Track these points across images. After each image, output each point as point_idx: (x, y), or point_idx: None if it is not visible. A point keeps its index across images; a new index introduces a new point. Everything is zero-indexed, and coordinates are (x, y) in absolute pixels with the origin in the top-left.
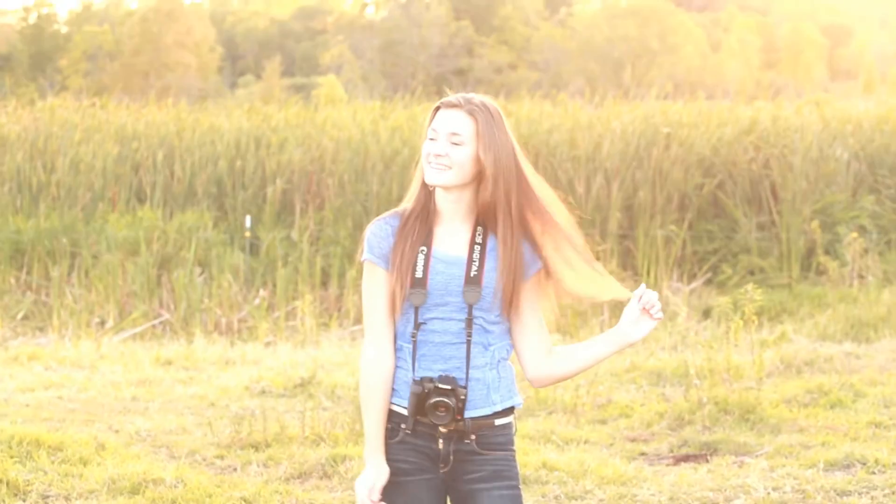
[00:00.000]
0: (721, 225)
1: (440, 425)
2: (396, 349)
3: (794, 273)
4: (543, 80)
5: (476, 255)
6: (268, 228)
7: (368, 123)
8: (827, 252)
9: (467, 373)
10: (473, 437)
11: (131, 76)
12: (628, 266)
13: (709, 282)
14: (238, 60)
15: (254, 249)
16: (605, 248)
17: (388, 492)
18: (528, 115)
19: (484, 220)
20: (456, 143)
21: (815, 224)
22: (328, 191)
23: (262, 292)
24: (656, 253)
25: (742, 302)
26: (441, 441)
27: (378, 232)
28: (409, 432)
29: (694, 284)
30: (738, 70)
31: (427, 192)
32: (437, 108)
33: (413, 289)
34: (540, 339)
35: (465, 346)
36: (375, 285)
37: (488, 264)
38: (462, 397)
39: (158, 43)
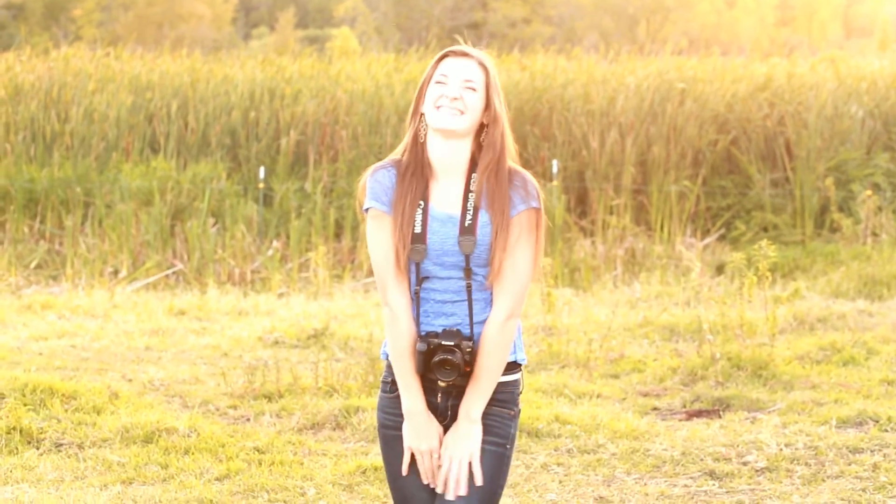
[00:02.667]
0: (735, 181)
1: (447, 382)
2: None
3: (807, 230)
4: (557, 35)
5: (470, 205)
6: (281, 180)
7: (382, 76)
8: (841, 209)
9: (471, 326)
10: None
11: (145, 26)
12: (642, 221)
13: (722, 238)
14: (252, 12)
15: (267, 201)
16: (618, 202)
17: (389, 443)
18: (543, 70)
19: (479, 174)
20: (470, 88)
21: (829, 181)
22: (342, 143)
23: (275, 243)
24: (670, 208)
25: (756, 258)
26: (440, 395)
27: (382, 180)
28: None
29: (707, 240)
30: (753, 27)
31: (420, 147)
32: (443, 57)
33: (414, 244)
34: (500, 294)
35: (466, 303)
36: (385, 235)
37: (482, 218)
38: (468, 350)
39: None
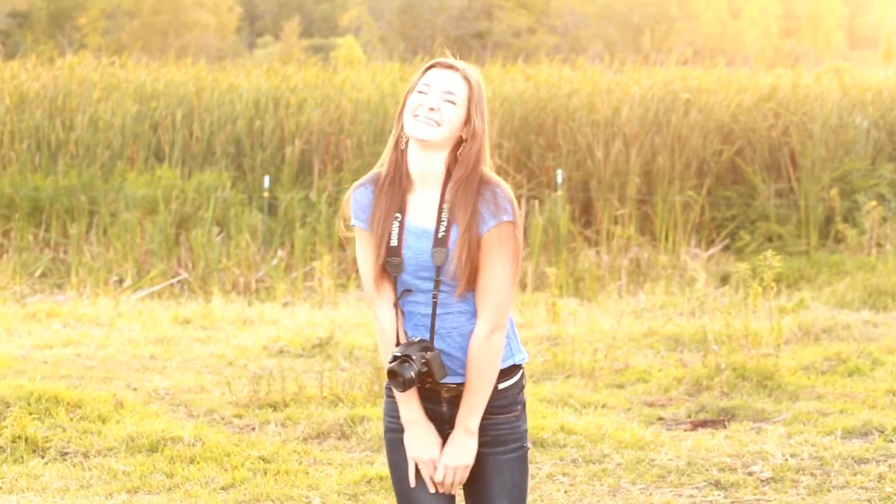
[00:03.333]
0: (739, 191)
1: (401, 391)
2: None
3: (812, 240)
4: (562, 45)
5: (444, 216)
6: (286, 189)
7: (387, 85)
8: (845, 220)
9: (432, 337)
10: None
11: (150, 35)
12: (646, 231)
13: (727, 248)
14: (256, 21)
15: (272, 210)
16: (623, 212)
17: (397, 447)
18: (547, 80)
19: (451, 188)
20: (450, 101)
21: (833, 192)
22: (346, 152)
23: (279, 252)
24: (674, 218)
25: (760, 268)
26: (444, 404)
27: (360, 198)
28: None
29: (712, 250)
30: (758, 37)
31: (399, 154)
32: (429, 68)
33: (389, 257)
34: (482, 310)
35: (448, 315)
36: (366, 251)
37: (454, 232)
38: (423, 361)
39: (177, 2)
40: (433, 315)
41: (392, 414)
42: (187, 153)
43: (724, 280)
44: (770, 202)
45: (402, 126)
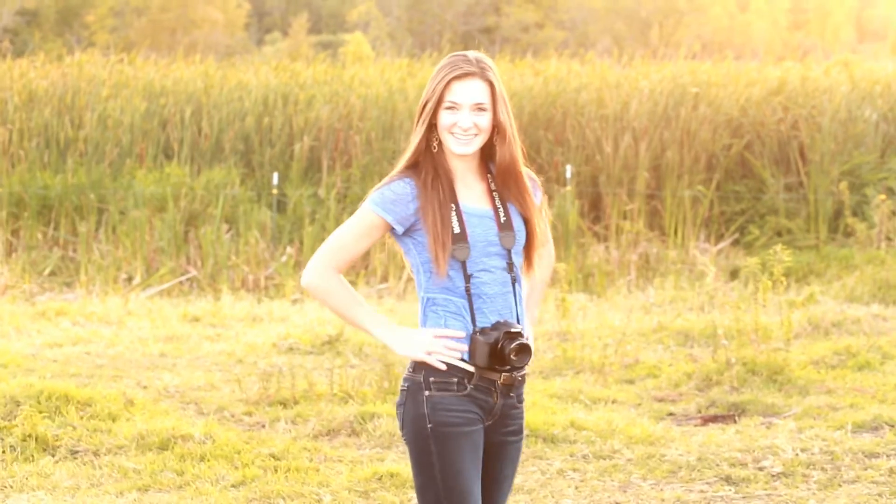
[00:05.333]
0: (749, 185)
1: (521, 366)
2: (448, 308)
3: (821, 234)
4: (570, 40)
5: (499, 203)
6: (295, 185)
7: (396, 81)
8: (855, 214)
9: (517, 316)
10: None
11: (158, 32)
12: (655, 226)
13: (736, 242)
14: (265, 17)
15: (281, 206)
16: (632, 207)
17: (455, 440)
18: (556, 74)
19: (498, 178)
20: (480, 110)
21: (843, 185)
22: (355, 148)
23: (288, 249)
24: (684, 213)
25: (770, 263)
26: (497, 395)
27: (400, 192)
28: (472, 387)
29: (721, 245)
30: (766, 30)
31: (435, 155)
32: (451, 80)
33: (455, 244)
34: (539, 260)
35: (511, 294)
36: (369, 233)
37: (511, 210)
38: (528, 339)
39: None
40: (515, 297)
41: (453, 408)
42: (196, 150)
43: (734, 275)
44: (779, 196)
45: (432, 130)
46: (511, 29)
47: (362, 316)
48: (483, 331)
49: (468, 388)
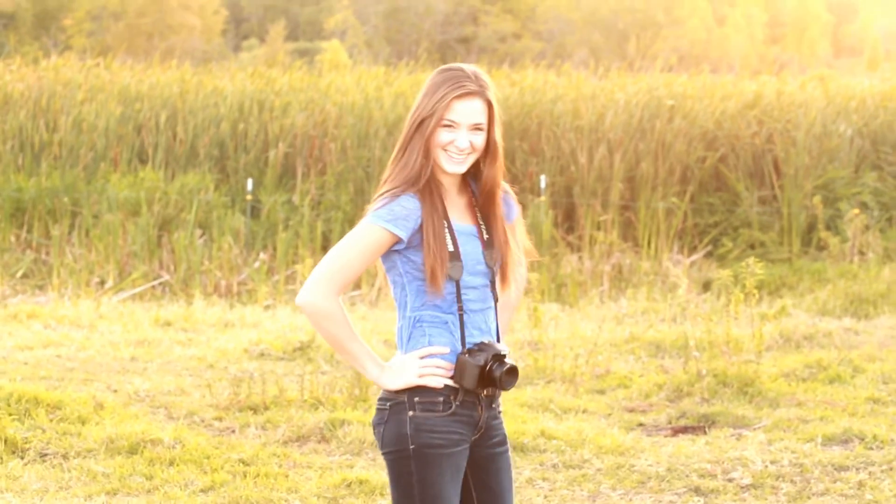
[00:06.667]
0: (722, 198)
1: (509, 389)
2: (436, 324)
3: (794, 248)
4: (547, 51)
5: (481, 220)
6: (269, 192)
7: (372, 89)
8: (828, 228)
9: (498, 336)
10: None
11: (135, 37)
12: (629, 237)
13: (709, 255)
14: (242, 23)
15: (255, 212)
16: (606, 218)
17: (437, 463)
18: (532, 85)
19: (473, 186)
20: (477, 130)
21: (816, 199)
22: (330, 155)
23: (262, 255)
24: (657, 225)
25: (742, 275)
26: (481, 408)
27: (411, 208)
28: (458, 404)
29: (694, 257)
30: (743, 44)
31: (428, 166)
32: (454, 98)
33: (451, 262)
34: (513, 277)
35: (492, 311)
36: (375, 250)
37: (490, 228)
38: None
39: (163, 4)
40: (497, 317)
41: (438, 429)
42: (171, 155)
43: (706, 286)
44: (753, 209)
45: (423, 142)
46: (488, 39)
47: (358, 352)
48: (470, 352)
49: (453, 406)
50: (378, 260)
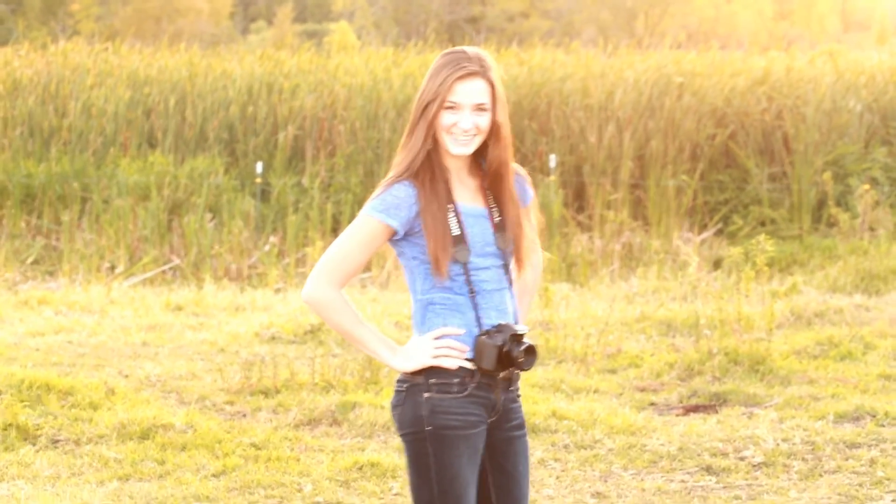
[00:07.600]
0: (732, 175)
1: (528, 369)
2: (448, 306)
3: (805, 225)
4: (555, 29)
5: (492, 202)
6: (279, 175)
7: (381, 70)
8: (838, 204)
9: (514, 313)
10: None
11: (143, 21)
12: (639, 216)
13: (719, 232)
14: (250, 6)
15: (264, 196)
16: (616, 197)
17: (453, 444)
18: (541, 64)
19: (485, 167)
20: (480, 110)
21: (826, 175)
22: (340, 137)
23: (272, 239)
24: (667, 203)
25: (753, 253)
26: (498, 390)
27: (403, 196)
28: (474, 385)
29: (704, 235)
30: (752, 20)
31: (431, 154)
32: (455, 79)
33: (456, 247)
34: (528, 260)
35: (507, 291)
36: (372, 241)
37: (503, 209)
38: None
39: None
40: (510, 298)
41: (454, 411)
42: (180, 139)
43: (717, 264)
44: (763, 186)
45: (427, 126)
46: (496, 18)
47: (367, 336)
48: (488, 333)
49: (469, 389)
50: (388, 244)
